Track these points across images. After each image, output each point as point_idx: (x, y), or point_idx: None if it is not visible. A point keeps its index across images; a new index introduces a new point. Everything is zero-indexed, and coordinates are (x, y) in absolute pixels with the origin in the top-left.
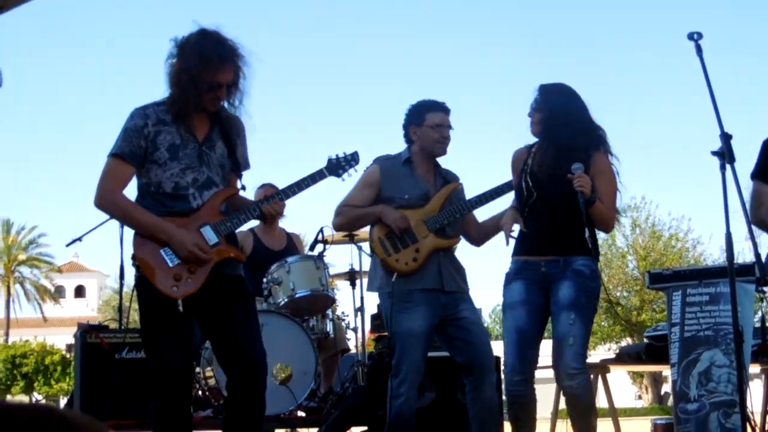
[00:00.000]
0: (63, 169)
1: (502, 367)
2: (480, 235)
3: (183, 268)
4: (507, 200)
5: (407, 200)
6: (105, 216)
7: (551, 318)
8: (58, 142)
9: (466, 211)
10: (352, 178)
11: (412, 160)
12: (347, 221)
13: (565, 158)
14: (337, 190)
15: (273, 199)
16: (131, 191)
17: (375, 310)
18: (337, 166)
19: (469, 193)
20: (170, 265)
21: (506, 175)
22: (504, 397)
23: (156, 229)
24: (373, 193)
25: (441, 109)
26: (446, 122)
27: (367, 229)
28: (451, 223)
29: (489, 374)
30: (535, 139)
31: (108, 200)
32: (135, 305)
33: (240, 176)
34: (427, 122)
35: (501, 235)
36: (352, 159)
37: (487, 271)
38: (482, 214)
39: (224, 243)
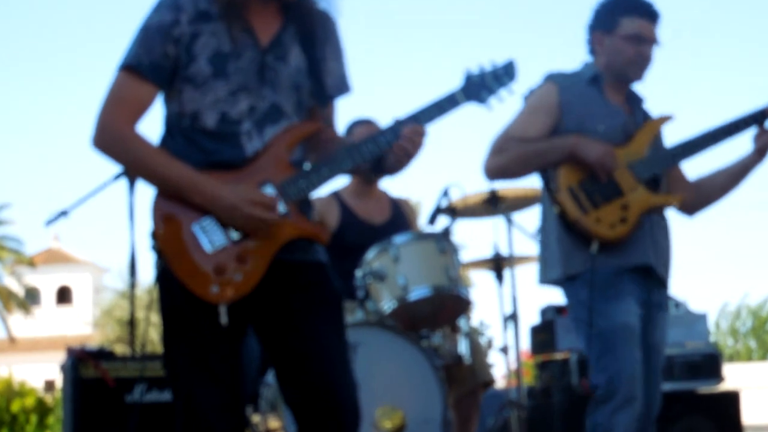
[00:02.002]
0: (34, 122)
1: None
2: (700, 196)
3: (229, 254)
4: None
5: (602, 134)
6: (103, 177)
7: None
8: (27, 86)
9: (690, 154)
10: (505, 105)
11: (600, 80)
12: (517, 161)
13: None
14: (476, 124)
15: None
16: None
17: (537, 319)
18: (481, 87)
19: None
20: (209, 248)
21: None
22: None
23: (189, 185)
24: (550, 121)
25: (642, 13)
26: (648, 34)
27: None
28: (665, 173)
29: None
30: None
31: (113, 137)
32: (155, 316)
33: (326, 104)
34: (621, 31)
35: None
36: (506, 74)
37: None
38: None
39: (295, 214)
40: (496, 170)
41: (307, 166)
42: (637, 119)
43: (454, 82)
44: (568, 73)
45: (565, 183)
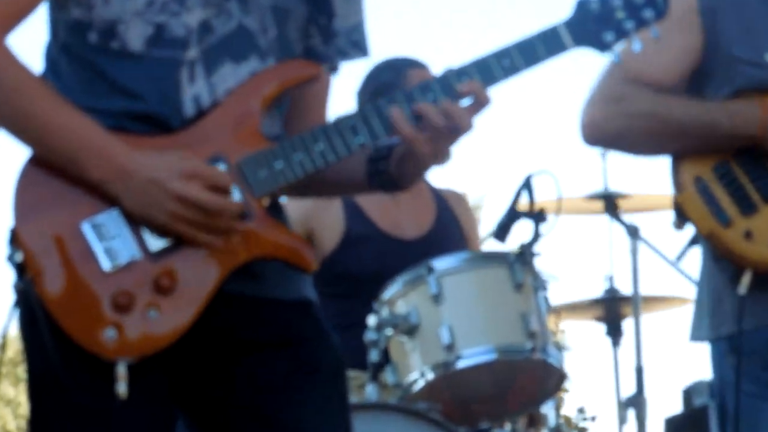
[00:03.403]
0: None
1: None
2: None
3: (141, 276)
4: None
5: None
6: None
7: None
8: None
9: None
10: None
11: None
12: (644, 130)
13: None
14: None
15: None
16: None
17: (679, 406)
18: (604, 22)
19: None
20: (106, 265)
21: None
22: None
23: (84, 145)
24: (693, 43)
25: None
26: None
27: None
28: None
29: None
30: None
31: None
32: (10, 388)
33: (323, 58)
34: None
35: None
36: (649, 2)
37: None
38: None
39: (263, 217)
40: (603, 129)
41: (291, 139)
42: None
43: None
44: None
45: (690, 169)
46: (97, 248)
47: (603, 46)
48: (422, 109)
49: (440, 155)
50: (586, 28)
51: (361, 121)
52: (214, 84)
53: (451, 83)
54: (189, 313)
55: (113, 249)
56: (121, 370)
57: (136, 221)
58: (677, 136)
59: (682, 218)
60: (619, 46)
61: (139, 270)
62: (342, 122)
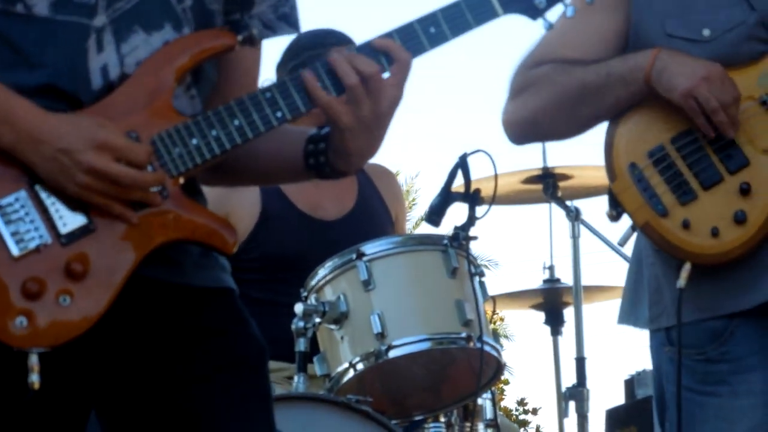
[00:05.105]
0: None
1: None
2: None
3: (52, 262)
4: None
5: (710, 43)
6: None
7: None
8: None
9: None
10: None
11: None
12: (550, 104)
13: None
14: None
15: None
16: None
17: (621, 397)
18: None
19: None
20: (14, 249)
21: None
22: None
23: None
24: (616, 24)
25: None
26: None
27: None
28: None
29: None
30: None
31: None
32: None
33: (241, 29)
34: None
35: None
36: None
37: None
38: None
39: (179, 197)
40: (518, 123)
41: (207, 114)
42: None
43: None
44: None
45: (624, 155)
46: (5, 232)
47: (534, 12)
48: (335, 63)
49: (367, 133)
50: None
51: (279, 94)
52: (124, 54)
53: (370, 47)
54: (103, 300)
55: (22, 232)
56: (34, 360)
57: (46, 198)
58: (582, 97)
59: (617, 208)
60: (551, 13)
61: (50, 255)
62: (260, 95)
